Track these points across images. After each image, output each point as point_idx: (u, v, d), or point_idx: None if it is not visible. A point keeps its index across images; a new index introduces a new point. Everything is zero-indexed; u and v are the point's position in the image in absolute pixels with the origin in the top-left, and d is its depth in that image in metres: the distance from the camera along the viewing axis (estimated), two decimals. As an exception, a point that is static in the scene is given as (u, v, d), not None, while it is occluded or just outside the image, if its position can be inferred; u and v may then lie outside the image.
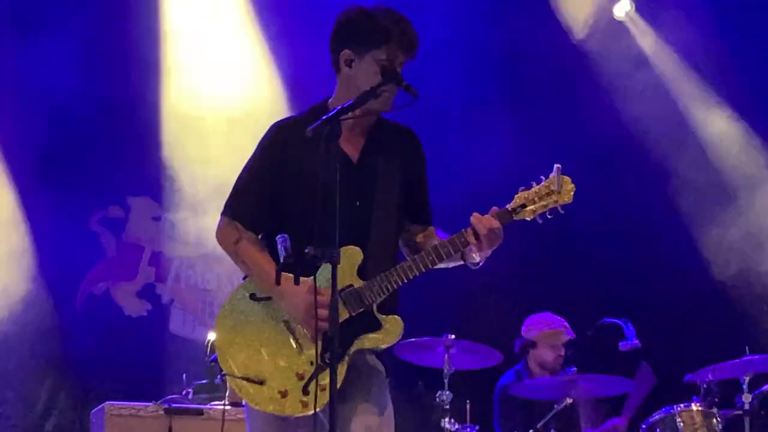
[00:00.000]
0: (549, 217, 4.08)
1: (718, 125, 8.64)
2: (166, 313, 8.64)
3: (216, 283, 8.75)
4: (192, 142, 8.48)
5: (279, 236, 3.87)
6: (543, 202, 4.05)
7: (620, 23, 8.82)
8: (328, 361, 3.88)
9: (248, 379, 4.03)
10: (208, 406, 6.53)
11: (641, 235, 8.58)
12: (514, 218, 4.05)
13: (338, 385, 3.88)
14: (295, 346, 3.94)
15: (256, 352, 4.05)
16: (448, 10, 8.46)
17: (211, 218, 8.62)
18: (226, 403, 6.51)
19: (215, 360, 6.48)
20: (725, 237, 8.45)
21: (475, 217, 4.02)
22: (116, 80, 8.26)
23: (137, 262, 8.63)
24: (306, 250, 3.73)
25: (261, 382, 4.01)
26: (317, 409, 3.88)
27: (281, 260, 3.84)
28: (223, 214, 4.22)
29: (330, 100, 4.21)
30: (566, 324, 7.29)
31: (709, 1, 8.52)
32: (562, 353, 7.25)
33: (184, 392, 6.79)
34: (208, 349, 6.97)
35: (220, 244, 4.24)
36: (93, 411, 6.65)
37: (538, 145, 8.18)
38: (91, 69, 8.16)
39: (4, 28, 8.17)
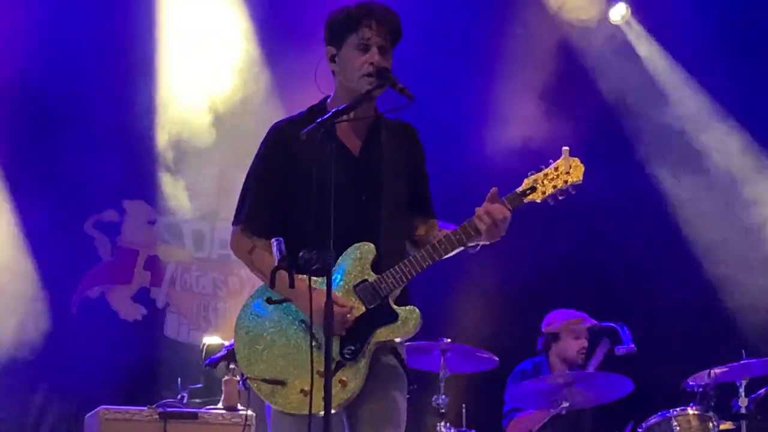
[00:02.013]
0: (560, 198, 4.10)
1: (714, 128, 8.64)
2: (161, 317, 8.61)
3: (211, 287, 8.74)
4: (187, 144, 8.46)
5: (274, 239, 3.87)
6: (553, 183, 4.07)
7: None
8: (348, 356, 3.99)
9: (270, 381, 4.05)
10: (202, 410, 6.52)
11: (637, 238, 8.57)
12: (525, 201, 4.08)
13: (360, 384, 3.98)
14: (314, 344, 3.91)
15: (276, 353, 4.08)
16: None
17: (206, 222, 8.72)
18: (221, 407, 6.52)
19: (210, 364, 6.58)
20: (721, 238, 8.45)
21: (483, 208, 4.03)
22: (110, 80, 8.23)
23: (132, 266, 8.61)
24: (300, 254, 3.72)
25: (283, 383, 4.04)
26: (335, 407, 3.90)
27: (275, 263, 3.84)
28: (234, 224, 4.25)
29: (329, 99, 4.23)
30: (586, 315, 7.28)
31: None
32: (585, 345, 7.24)
33: (178, 396, 6.79)
34: (203, 353, 6.97)
35: (236, 255, 4.29)
36: (87, 415, 6.64)
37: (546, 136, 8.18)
38: (85, 68, 8.13)
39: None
